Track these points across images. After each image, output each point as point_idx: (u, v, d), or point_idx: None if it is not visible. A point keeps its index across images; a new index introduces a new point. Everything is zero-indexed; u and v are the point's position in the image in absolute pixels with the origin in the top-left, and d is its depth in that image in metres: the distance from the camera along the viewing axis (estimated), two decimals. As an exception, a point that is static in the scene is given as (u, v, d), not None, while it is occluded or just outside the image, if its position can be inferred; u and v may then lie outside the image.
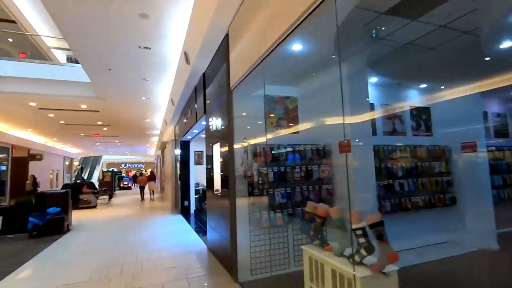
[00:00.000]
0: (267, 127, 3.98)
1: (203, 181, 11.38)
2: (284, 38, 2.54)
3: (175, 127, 11.36)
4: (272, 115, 4.09)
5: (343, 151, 3.93)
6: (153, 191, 16.35)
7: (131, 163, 40.54)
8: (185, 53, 5.17)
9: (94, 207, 11.73)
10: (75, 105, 10.45)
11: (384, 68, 4.34)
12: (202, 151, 11.42)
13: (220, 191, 4.56)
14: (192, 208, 9.65)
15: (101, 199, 11.80)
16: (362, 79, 3.99)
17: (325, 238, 2.36)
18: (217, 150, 4.73)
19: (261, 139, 3.92)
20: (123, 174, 32.70)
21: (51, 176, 20.61)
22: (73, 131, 15.87)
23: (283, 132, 4.17)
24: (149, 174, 17.85)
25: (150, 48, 5.71)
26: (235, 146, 3.96)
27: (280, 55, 3.25)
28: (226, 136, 4.13)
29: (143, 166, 40.18)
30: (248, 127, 4.16)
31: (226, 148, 4.15)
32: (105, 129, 15.53)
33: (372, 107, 4.38)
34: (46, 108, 10.83)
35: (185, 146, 9.88)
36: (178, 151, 10.42)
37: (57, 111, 11.37)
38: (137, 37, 5.25)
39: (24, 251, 5.42)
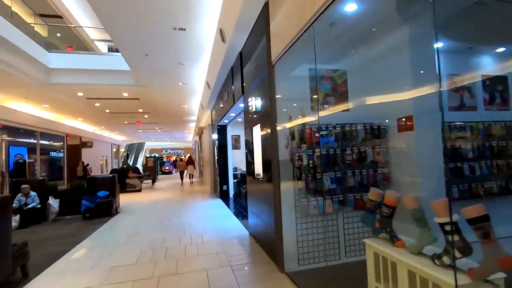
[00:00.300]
0: (313, 105, 3.57)
1: (241, 166, 11.32)
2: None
3: (211, 112, 11.32)
4: (318, 92, 3.66)
5: (404, 129, 3.40)
6: (191, 175, 16.91)
7: (171, 149, 42.38)
8: (221, 31, 4.86)
9: (139, 190, 12.34)
10: (117, 93, 10.83)
11: (454, 30, 3.63)
12: (239, 135, 11.30)
13: (261, 175, 4.31)
14: (231, 192, 9.65)
15: (145, 183, 12.36)
16: (426, 44, 3.36)
17: (394, 231, 1.97)
18: (257, 132, 4.45)
19: (307, 119, 3.53)
20: (164, 160, 34.35)
21: (101, 162, 22.21)
22: (118, 119, 16.72)
23: (331, 110, 3.73)
24: (187, 159, 18.36)
25: (185, 29, 5.50)
26: (278, 127, 3.63)
27: (330, 19, 2.79)
28: (267, 116, 3.81)
29: (182, 152, 41.82)
30: (294, 105, 3.78)
31: (267, 130, 3.84)
32: (145, 116, 16.11)
33: (437, 77, 3.73)
34: (93, 97, 11.40)
35: (222, 130, 9.79)
36: (215, 136, 10.40)
37: (102, 100, 11.93)
38: (172, 18, 5.05)
39: (78, 233, 5.75)
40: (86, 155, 18.58)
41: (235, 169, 10.29)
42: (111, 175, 7.75)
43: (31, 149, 15.14)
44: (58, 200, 7.10)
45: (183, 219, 6.62)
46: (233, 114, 7.65)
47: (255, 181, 4.66)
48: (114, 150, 27.02)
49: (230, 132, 9.90)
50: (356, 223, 3.53)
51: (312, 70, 3.52)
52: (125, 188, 12.22)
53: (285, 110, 3.68)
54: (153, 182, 15.28)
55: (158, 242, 4.81)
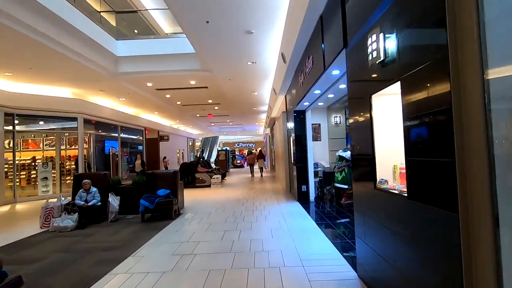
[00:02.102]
0: None
1: (322, 161, 9.13)
2: None
3: (285, 97, 9.41)
4: None
5: None
6: (262, 168, 17.06)
7: (243, 143, 42.41)
8: None
9: (209, 186, 11.37)
10: (184, 82, 9.91)
11: None
12: (319, 124, 9.11)
13: (404, 188, 2.17)
14: (311, 194, 7.59)
15: (214, 178, 11.31)
16: None
17: None
18: (389, 101, 2.33)
19: None
20: (236, 153, 34.25)
21: (178, 155, 22.81)
22: (190, 112, 16.36)
23: None
24: (258, 153, 17.97)
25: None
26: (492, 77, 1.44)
27: None
28: (438, 60, 1.65)
29: (253, 145, 41.39)
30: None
31: (432, 90, 1.69)
32: (216, 108, 15.27)
33: None
34: (162, 88, 10.79)
35: (300, 117, 7.77)
36: (290, 125, 8.46)
37: (172, 91, 11.28)
38: None
39: (128, 242, 4.60)
40: (164, 148, 19.00)
41: (315, 165, 8.19)
42: (172, 171, 6.59)
43: (123, 143, 15.93)
44: (118, 197, 6.27)
45: (253, 232, 4.93)
46: (317, 92, 5.55)
47: (378, 195, 2.53)
48: (190, 143, 27.81)
49: (309, 120, 7.80)
50: None
51: None
52: (194, 183, 11.40)
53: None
54: (223, 177, 14.30)
55: (214, 277, 3.17)
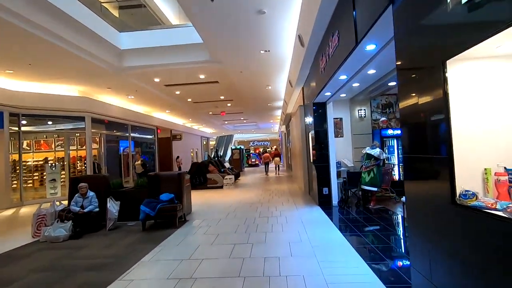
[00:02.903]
0: None
1: (345, 160, 8.15)
2: None
3: (302, 89, 8.49)
4: None
5: None
6: (278, 166, 17.32)
7: (258, 141, 41.61)
8: None
9: (221, 187, 10.62)
10: (193, 76, 9.19)
11: None
12: (340, 119, 8.13)
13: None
14: (334, 198, 6.64)
15: (227, 179, 10.55)
16: None
17: None
18: (474, 69, 1.43)
19: None
20: (251, 152, 33.48)
21: (192, 154, 22.31)
22: (202, 110, 15.71)
23: None
24: (273, 151, 19.06)
25: None
26: None
27: None
28: None
29: (268, 143, 40.48)
30: None
31: None
32: (228, 104, 14.53)
33: None
34: (170, 84, 10.14)
35: (319, 110, 6.82)
36: (309, 120, 7.54)
37: (181, 87, 10.61)
38: None
39: (123, 257, 3.90)
40: (177, 148, 18.51)
41: (337, 164, 7.23)
42: (177, 173, 5.84)
43: (137, 143, 15.52)
44: (118, 203, 5.62)
45: (268, 247, 4.09)
46: (343, 77, 4.60)
47: (460, 215, 1.62)
48: (204, 142, 27.31)
49: (331, 114, 6.84)
50: None
51: None
52: (205, 184, 10.69)
53: None
54: (237, 177, 13.52)
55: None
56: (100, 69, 7.90)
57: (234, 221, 5.70)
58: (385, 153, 6.22)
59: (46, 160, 10.09)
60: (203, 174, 10.81)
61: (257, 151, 35.52)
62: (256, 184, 12.13)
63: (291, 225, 5.19)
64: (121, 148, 14.03)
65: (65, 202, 5.86)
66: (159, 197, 5.51)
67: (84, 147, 10.90)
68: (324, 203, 6.64)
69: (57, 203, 5.54)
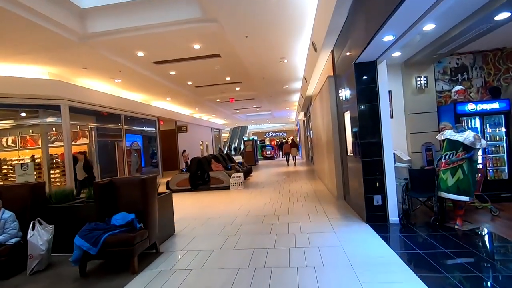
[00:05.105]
0: None
1: (397, 151, 5.63)
2: None
3: (333, 51, 5.98)
4: None
5: None
6: (295, 157, 17.10)
7: (273, 132, 39.17)
8: None
9: (228, 187, 8.39)
10: (186, 47, 6.88)
11: None
12: (389, 91, 5.58)
13: None
14: (391, 211, 4.19)
15: (234, 178, 8.28)
16: None
17: None
18: None
19: None
20: (266, 143, 31.13)
21: (201, 147, 20.29)
22: (207, 96, 13.49)
23: None
24: (290, 142, 17.67)
25: None
26: None
27: None
28: None
29: (285, 134, 37.93)
30: None
31: None
32: (237, 88, 12.21)
33: None
34: (160, 61, 7.92)
35: (365, 75, 4.31)
36: (345, 93, 5.06)
37: (174, 65, 8.34)
38: None
39: None
40: (183, 141, 16.48)
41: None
42: (137, 178, 3.53)
43: (146, 137, 13.68)
44: (52, 227, 3.49)
45: None
46: (416, 15, 2.14)
47: None
48: (215, 134, 25.22)
49: (384, 80, 4.30)
50: None
51: None
52: (208, 184, 8.51)
53: None
54: (248, 173, 11.22)
55: None
56: (61, 38, 5.78)
57: (234, 256, 3.43)
58: (484, 140, 3.71)
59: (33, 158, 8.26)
60: (206, 172, 8.63)
61: (273, 143, 33.11)
62: (272, 182, 9.80)
63: (332, 272, 2.85)
64: (129, 143, 12.23)
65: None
66: (111, 220, 3.32)
67: (74, 142, 9.06)
68: (376, 218, 4.22)
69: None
